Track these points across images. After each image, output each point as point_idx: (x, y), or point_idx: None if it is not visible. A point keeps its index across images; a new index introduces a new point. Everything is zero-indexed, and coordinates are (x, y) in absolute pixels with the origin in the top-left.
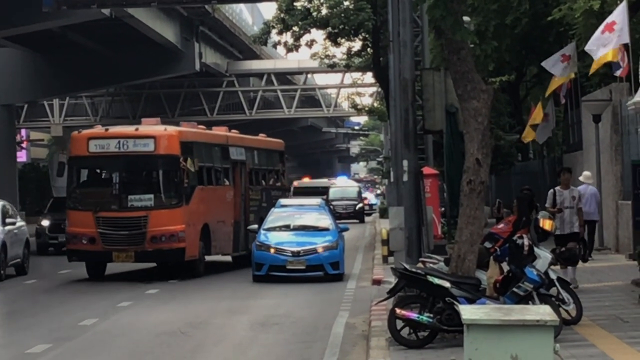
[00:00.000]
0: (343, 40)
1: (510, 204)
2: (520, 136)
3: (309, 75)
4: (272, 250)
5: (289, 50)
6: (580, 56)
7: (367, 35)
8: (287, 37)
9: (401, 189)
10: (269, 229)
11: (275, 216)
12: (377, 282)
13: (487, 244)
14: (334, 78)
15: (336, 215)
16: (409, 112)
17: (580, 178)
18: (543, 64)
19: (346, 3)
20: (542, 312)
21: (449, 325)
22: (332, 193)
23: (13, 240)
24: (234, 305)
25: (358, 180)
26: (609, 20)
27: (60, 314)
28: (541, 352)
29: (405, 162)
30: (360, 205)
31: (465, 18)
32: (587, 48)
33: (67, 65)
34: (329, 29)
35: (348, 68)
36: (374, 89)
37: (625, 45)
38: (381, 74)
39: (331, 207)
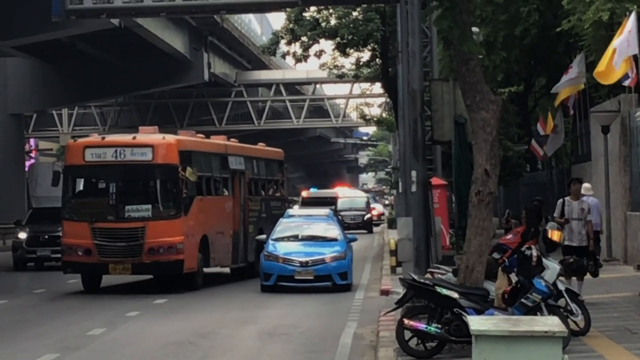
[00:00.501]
0: (352, 50)
1: (518, 214)
2: (529, 147)
3: (318, 86)
4: (280, 261)
5: (298, 60)
6: (588, 67)
7: (375, 46)
8: (296, 48)
9: (410, 200)
10: (277, 239)
11: (283, 226)
12: (385, 292)
13: (496, 255)
14: (342, 88)
15: (344, 226)
16: (417, 123)
17: (582, 190)
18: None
19: (355, 14)
20: (550, 323)
21: (457, 336)
22: (341, 203)
23: None
24: (242, 315)
25: (366, 191)
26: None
27: (67, 323)
28: None
29: (413, 173)
30: (369, 215)
31: (474, 29)
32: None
33: (75, 74)
34: (338, 39)
35: (357, 78)
36: (383, 99)
37: (635, 57)
38: (390, 85)
39: (339, 217)
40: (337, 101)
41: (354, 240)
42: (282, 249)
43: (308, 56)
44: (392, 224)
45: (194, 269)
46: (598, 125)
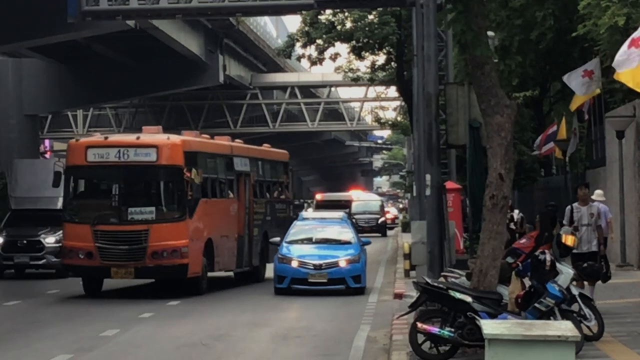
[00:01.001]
0: (367, 54)
1: (532, 219)
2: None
3: (333, 89)
4: (294, 263)
5: (313, 63)
6: (604, 72)
7: (391, 49)
8: (311, 50)
9: (424, 203)
10: (291, 242)
11: (297, 229)
12: (398, 296)
13: (510, 259)
14: (357, 91)
15: (358, 229)
16: (432, 127)
17: (593, 196)
18: (564, 78)
19: (370, 17)
20: (563, 327)
21: (470, 339)
22: (355, 207)
23: None
24: (256, 317)
25: (381, 194)
26: (635, 35)
27: (81, 324)
28: None
29: (428, 176)
30: (383, 219)
31: (490, 33)
32: (614, 64)
33: (91, 76)
34: (353, 42)
35: (372, 82)
36: (398, 102)
37: None
38: (405, 88)
39: (353, 220)
40: (352, 104)
41: (368, 243)
42: (296, 251)
43: (323, 59)
44: (406, 228)
45: (198, 273)
46: (613, 130)
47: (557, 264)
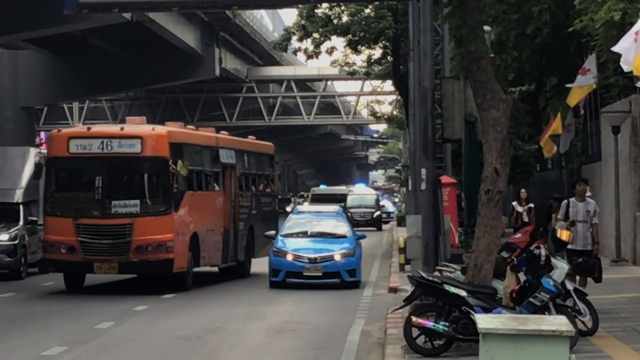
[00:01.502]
0: (363, 47)
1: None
2: (539, 146)
3: (329, 83)
4: (289, 257)
5: (309, 57)
6: (600, 67)
7: (387, 43)
8: (308, 44)
9: (419, 198)
10: (286, 235)
11: (292, 222)
12: (393, 290)
13: (504, 254)
14: (353, 85)
15: (354, 223)
16: (428, 121)
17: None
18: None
19: (367, 11)
20: (558, 322)
21: (464, 334)
22: (350, 200)
23: None
24: (250, 311)
25: (376, 188)
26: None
27: (76, 316)
28: None
29: (423, 171)
30: (378, 213)
31: (486, 27)
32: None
33: (87, 68)
34: (350, 36)
35: (368, 76)
36: (394, 97)
37: None
38: (401, 82)
39: (349, 214)
40: (348, 98)
41: (363, 237)
42: (291, 245)
43: (319, 53)
44: (401, 222)
45: (183, 268)
46: (609, 125)
47: (552, 259)
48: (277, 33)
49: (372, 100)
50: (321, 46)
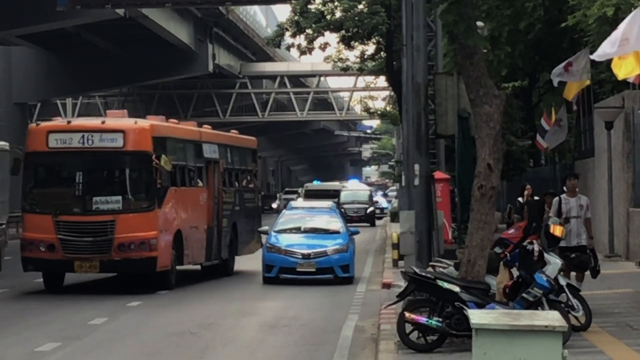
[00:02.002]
0: (356, 43)
1: (521, 209)
2: (533, 142)
3: (322, 78)
4: (282, 252)
5: (303, 52)
6: (593, 63)
7: (380, 39)
8: (301, 40)
9: (412, 193)
10: (280, 231)
11: (286, 218)
12: (387, 285)
13: (498, 249)
14: (346, 81)
15: (347, 219)
16: (421, 117)
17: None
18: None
19: (360, 7)
20: (551, 317)
21: (457, 329)
22: (343, 196)
23: None
24: (244, 306)
25: (370, 184)
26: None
27: (69, 312)
28: (549, 358)
29: (416, 166)
30: (372, 208)
31: (479, 23)
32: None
33: (80, 64)
34: (343, 32)
35: (361, 71)
36: (387, 92)
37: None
38: (394, 78)
39: (342, 210)
40: (341, 94)
41: (356, 233)
42: (285, 240)
43: (313, 49)
44: (394, 217)
45: (167, 267)
46: (602, 121)
47: (545, 255)
48: (271, 29)
49: (365, 96)
50: (314, 42)
